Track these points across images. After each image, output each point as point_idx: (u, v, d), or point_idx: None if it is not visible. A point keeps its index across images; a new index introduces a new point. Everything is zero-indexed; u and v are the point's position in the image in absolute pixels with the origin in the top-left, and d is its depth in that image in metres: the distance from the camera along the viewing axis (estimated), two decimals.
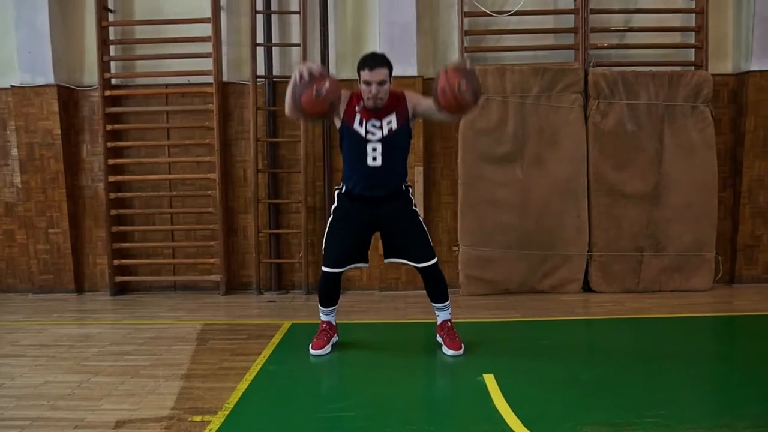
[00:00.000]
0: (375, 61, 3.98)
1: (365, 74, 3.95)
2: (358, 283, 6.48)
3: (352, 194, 4.19)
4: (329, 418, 3.31)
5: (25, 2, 6.16)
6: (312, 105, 3.80)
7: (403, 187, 4.26)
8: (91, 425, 3.22)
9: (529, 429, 3.06)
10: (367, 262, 4.35)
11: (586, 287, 6.22)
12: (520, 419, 3.18)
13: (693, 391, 3.62)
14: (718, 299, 5.91)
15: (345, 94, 4.09)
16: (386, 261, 4.39)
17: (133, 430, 3.16)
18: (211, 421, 3.22)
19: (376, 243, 5.56)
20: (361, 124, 4.05)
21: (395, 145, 4.12)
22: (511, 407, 3.33)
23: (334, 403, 3.49)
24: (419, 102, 4.14)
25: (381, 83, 3.94)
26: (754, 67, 6.15)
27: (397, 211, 4.21)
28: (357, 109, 4.06)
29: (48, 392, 3.71)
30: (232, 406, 3.42)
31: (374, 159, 4.08)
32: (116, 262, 6.42)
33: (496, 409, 3.33)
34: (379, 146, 4.06)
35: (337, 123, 4.17)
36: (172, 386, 3.76)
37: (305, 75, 3.80)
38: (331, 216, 4.30)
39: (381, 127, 4.05)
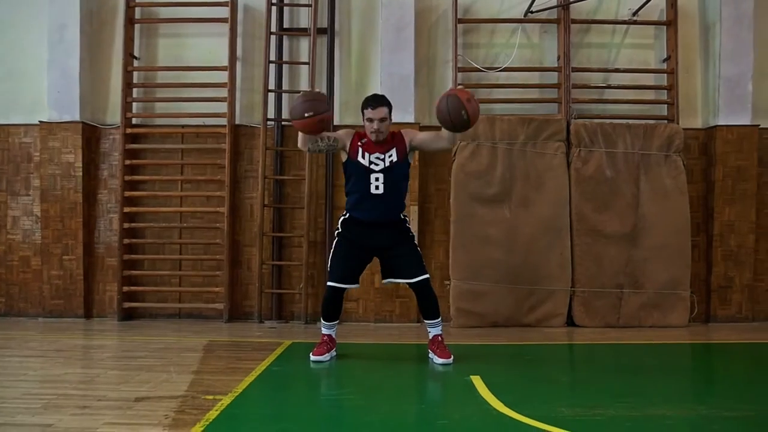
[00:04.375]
0: (377, 101, 4.58)
1: (369, 112, 4.53)
2: (354, 315, 6.82)
3: (356, 220, 4.64)
4: (329, 400, 3.67)
5: (59, 47, 6.76)
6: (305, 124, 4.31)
7: (401, 216, 4.71)
8: (112, 399, 3.53)
9: (510, 408, 3.40)
10: (358, 283, 4.75)
11: (570, 321, 6.57)
12: (502, 402, 3.51)
13: (662, 386, 3.98)
14: (695, 334, 6.26)
15: (348, 133, 4.67)
16: (384, 281, 4.80)
17: (151, 404, 3.46)
18: (222, 399, 3.53)
19: (371, 276, 6.02)
20: (364, 157, 4.57)
21: (396, 175, 4.61)
22: (495, 396, 3.66)
23: (333, 390, 3.82)
24: (414, 135, 4.71)
25: (382, 120, 4.51)
26: (721, 122, 6.74)
27: (394, 238, 4.65)
28: (359, 144, 4.59)
29: (69, 379, 4.03)
30: (241, 390, 3.75)
31: (377, 188, 4.56)
32: (125, 288, 6.76)
33: (482, 397, 3.67)
34: (381, 176, 4.55)
35: (343, 156, 4.68)
36: (185, 378, 4.07)
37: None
38: (336, 238, 4.74)
39: (383, 160, 4.56)
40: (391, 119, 4.61)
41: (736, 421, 3.19)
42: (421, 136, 4.71)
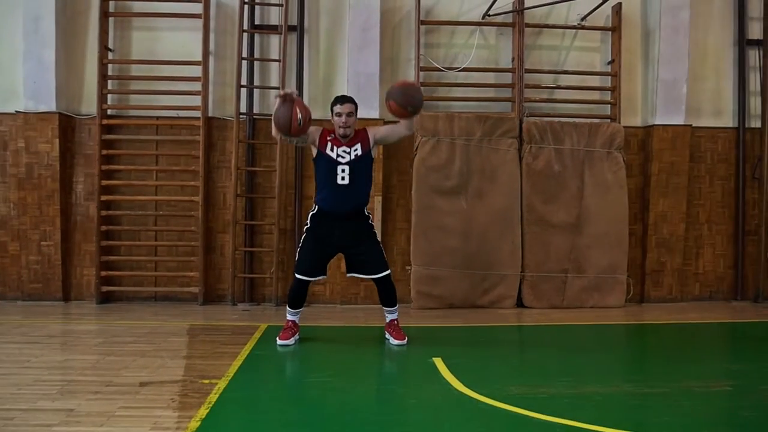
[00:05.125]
0: (345, 98, 5.17)
1: (337, 108, 5.06)
2: (321, 297, 7.33)
3: (323, 211, 5.14)
4: (312, 383, 4.19)
5: (34, 38, 6.93)
6: (296, 129, 4.79)
7: (365, 212, 5.23)
8: (119, 384, 3.97)
9: (468, 387, 3.98)
10: (326, 274, 5.32)
11: (519, 303, 7.23)
12: (461, 382, 4.09)
13: (596, 365, 4.66)
14: (630, 314, 7.01)
15: (317, 129, 5.13)
16: (348, 275, 5.36)
17: (156, 388, 3.91)
18: (218, 383, 4.01)
19: (338, 262, 6.50)
20: (332, 150, 5.08)
21: (360, 167, 5.11)
22: (455, 376, 4.24)
23: (314, 373, 4.35)
24: (378, 130, 5.27)
25: (349, 114, 5.05)
26: (658, 122, 7.42)
27: (358, 234, 5.17)
28: (328, 139, 5.11)
29: (72, 365, 4.44)
30: (232, 374, 4.23)
31: (343, 179, 5.07)
32: (103, 273, 7.09)
33: (444, 377, 4.24)
34: (347, 168, 5.06)
35: (314, 151, 5.17)
36: (178, 363, 4.53)
37: (285, 97, 4.79)
38: (305, 234, 5.25)
39: (349, 153, 5.08)
40: (356, 116, 5.12)
41: (653, 396, 3.85)
42: (383, 131, 5.27)
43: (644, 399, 3.82)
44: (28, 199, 7.07)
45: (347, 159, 5.05)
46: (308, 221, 5.23)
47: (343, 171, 5.04)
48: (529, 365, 4.72)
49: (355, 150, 5.07)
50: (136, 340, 5.24)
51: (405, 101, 4.79)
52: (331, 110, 5.09)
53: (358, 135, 5.13)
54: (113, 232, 7.23)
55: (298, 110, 4.74)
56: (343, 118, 5.01)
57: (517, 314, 6.96)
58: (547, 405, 3.61)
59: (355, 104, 5.12)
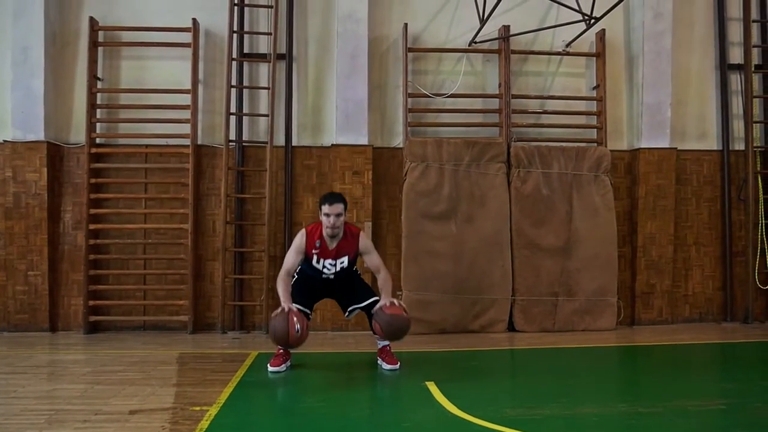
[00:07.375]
0: (334, 198, 5.15)
1: (326, 208, 5.07)
2: (311, 324, 7.22)
3: None
4: (305, 408, 4.12)
5: (23, 68, 6.95)
6: (294, 339, 4.86)
7: None
8: (108, 413, 3.90)
9: (463, 411, 3.95)
10: (311, 311, 5.32)
11: (511, 327, 7.21)
12: (456, 406, 4.06)
13: (590, 387, 4.65)
14: (621, 336, 7.01)
15: (300, 246, 5.16)
16: (348, 317, 5.46)
17: (145, 416, 3.85)
18: (209, 410, 3.95)
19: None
20: (318, 262, 5.16)
21: (344, 273, 5.26)
22: (449, 400, 4.20)
23: (306, 399, 4.29)
24: (367, 252, 5.28)
25: (338, 215, 5.07)
26: (643, 145, 7.52)
27: (344, 283, 5.31)
28: (314, 250, 5.13)
29: (60, 395, 4.36)
30: (224, 400, 4.18)
31: (328, 278, 5.25)
32: (91, 302, 7.01)
33: (437, 401, 4.21)
34: (332, 276, 5.23)
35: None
36: (168, 390, 4.47)
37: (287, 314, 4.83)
38: (295, 277, 5.31)
39: (335, 265, 5.19)
40: (346, 215, 5.15)
41: (647, 416, 3.83)
42: (370, 262, 5.30)
43: (639, 418, 3.80)
44: (15, 229, 7.00)
45: (332, 271, 5.19)
46: (296, 274, 5.30)
47: (327, 278, 5.22)
48: (523, 387, 4.69)
49: (342, 262, 5.18)
50: (125, 369, 5.17)
51: (389, 333, 5.00)
52: (320, 207, 5.11)
53: (348, 241, 5.16)
54: (101, 261, 7.17)
55: (295, 319, 4.79)
56: (332, 219, 5.02)
57: (509, 338, 6.94)
58: (543, 426, 3.59)
59: (345, 203, 5.12)
